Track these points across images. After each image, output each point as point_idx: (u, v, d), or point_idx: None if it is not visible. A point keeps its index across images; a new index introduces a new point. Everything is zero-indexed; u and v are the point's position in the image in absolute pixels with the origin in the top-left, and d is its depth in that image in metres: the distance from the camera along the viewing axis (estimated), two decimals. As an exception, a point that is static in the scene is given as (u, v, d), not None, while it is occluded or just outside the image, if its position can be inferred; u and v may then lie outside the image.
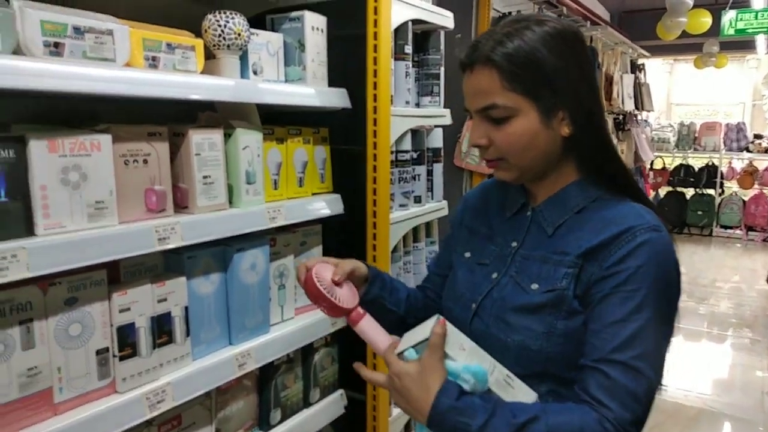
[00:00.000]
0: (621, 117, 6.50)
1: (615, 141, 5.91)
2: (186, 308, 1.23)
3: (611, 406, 0.83)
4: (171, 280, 1.19)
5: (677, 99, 10.47)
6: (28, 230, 0.96)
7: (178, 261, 1.24)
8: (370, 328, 1.01)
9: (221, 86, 1.24)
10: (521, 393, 0.90)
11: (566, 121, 0.94)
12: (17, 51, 0.94)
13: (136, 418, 1.11)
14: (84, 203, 1.03)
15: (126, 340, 1.11)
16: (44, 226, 0.97)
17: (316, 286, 0.99)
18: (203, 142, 1.23)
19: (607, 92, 5.84)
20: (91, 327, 1.06)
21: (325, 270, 1.03)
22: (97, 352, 1.07)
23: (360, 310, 1.02)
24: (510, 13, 4.74)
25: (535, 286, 0.95)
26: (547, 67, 0.91)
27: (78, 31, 1.00)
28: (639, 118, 7.23)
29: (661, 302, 0.89)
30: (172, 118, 1.34)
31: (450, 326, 0.90)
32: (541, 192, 1.03)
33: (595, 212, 0.96)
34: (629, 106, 6.19)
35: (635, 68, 6.88)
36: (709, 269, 6.57)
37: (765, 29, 5.07)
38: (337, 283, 1.03)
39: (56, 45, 0.97)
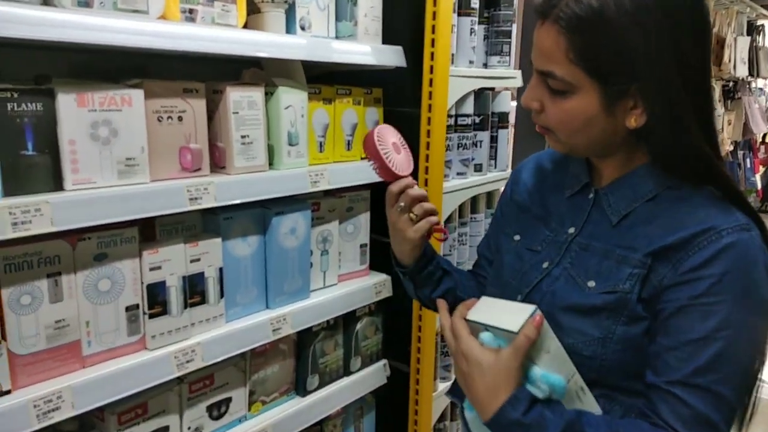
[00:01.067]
0: (731, 84, 5.88)
1: (721, 111, 5.36)
2: (221, 269, 1.21)
3: None
4: (205, 240, 1.18)
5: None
6: (57, 185, 0.96)
7: (215, 222, 1.22)
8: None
9: (262, 41, 1.18)
10: (589, 408, 0.81)
11: (639, 111, 0.78)
12: (47, 2, 0.92)
13: (164, 376, 1.11)
14: (114, 159, 1.01)
15: (156, 298, 1.11)
16: (73, 182, 0.97)
17: (375, 144, 0.98)
18: (242, 100, 1.19)
19: (718, 56, 5.29)
20: (121, 283, 1.06)
21: (389, 132, 1.03)
22: (127, 309, 1.08)
23: (411, 179, 1.00)
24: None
25: (592, 284, 0.83)
26: (628, 44, 0.73)
27: (108, -20, 0.96)
28: (753, 85, 6.52)
29: (750, 316, 0.75)
30: (218, 75, 1.31)
31: (544, 321, 0.79)
32: (607, 170, 0.89)
33: (671, 203, 0.81)
34: (742, 72, 5.58)
35: (753, 30, 6.17)
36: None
37: None
38: (397, 150, 1.01)
39: (85, -4, 0.94)
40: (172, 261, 1.12)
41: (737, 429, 0.89)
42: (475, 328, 0.82)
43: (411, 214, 0.99)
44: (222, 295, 1.23)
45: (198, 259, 1.17)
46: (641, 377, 0.80)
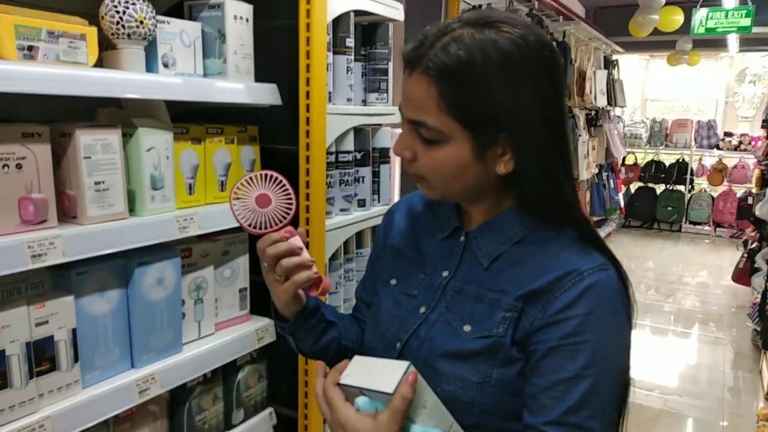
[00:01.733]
0: (593, 113, 6.45)
1: (586, 138, 5.85)
2: (74, 331, 1.09)
3: None
4: (53, 300, 1.05)
5: (652, 95, 10.51)
6: None
7: (66, 277, 1.10)
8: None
9: (118, 80, 1.09)
10: None
11: (507, 157, 0.80)
12: None
13: (5, 460, 0.97)
14: (-66, 216, 0.88)
15: (-7, 371, 0.97)
16: None
17: (231, 206, 0.91)
18: (94, 143, 1.09)
19: (580, 88, 5.78)
20: (-54, 358, 0.92)
21: (255, 184, 0.91)
22: (-45, 387, 0.93)
23: (278, 233, 0.90)
24: (480, 6, 4.64)
25: (467, 328, 0.83)
26: (495, 94, 0.75)
27: None
28: (612, 114, 7.21)
29: (613, 351, 0.79)
30: (72, 115, 1.20)
31: (418, 377, 0.75)
32: (476, 214, 0.90)
33: (537, 246, 0.84)
34: (602, 102, 6.14)
35: (609, 64, 6.84)
36: (677, 265, 6.60)
37: (735, 29, 5.01)
38: (264, 203, 0.91)
39: None
40: (12, 326, 0.99)
41: None
42: (351, 392, 0.78)
43: (276, 275, 0.91)
44: (77, 359, 1.10)
45: (45, 322, 1.04)
46: (519, 419, 0.81)
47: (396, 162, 2.04)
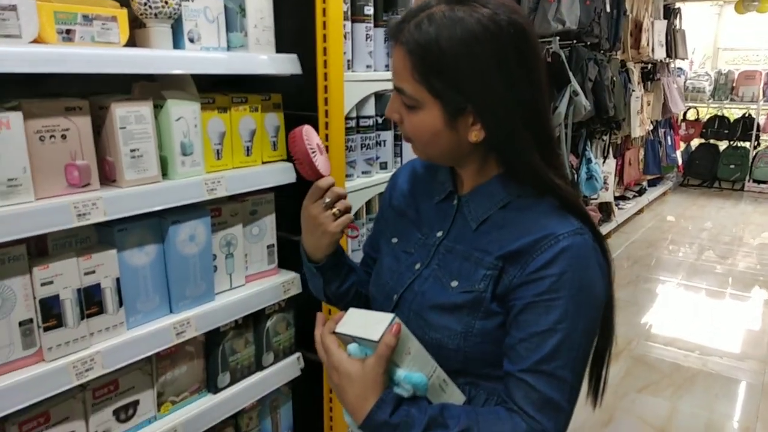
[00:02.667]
0: (650, 66, 6.18)
1: (640, 93, 5.63)
2: (118, 280, 1.26)
3: (538, 418, 0.84)
4: (99, 253, 1.22)
5: (725, 44, 9.85)
6: (-64, 209, 0.98)
7: (110, 234, 1.26)
8: None
9: (143, 57, 1.22)
10: (453, 397, 0.90)
11: (477, 127, 0.87)
12: None
13: (63, 385, 1.16)
14: (-5, 181, 1.04)
15: (51, 311, 1.14)
16: (-48, 205, 0.99)
17: (304, 142, 1.03)
18: (128, 115, 1.22)
19: (636, 39, 5.54)
20: (12, 300, 1.10)
21: (313, 133, 1.07)
22: (20, 324, 1.11)
23: (330, 179, 1.06)
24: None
25: (454, 284, 0.93)
26: (460, 68, 0.83)
27: (-25, 7, 0.98)
28: (672, 66, 6.87)
29: (584, 309, 0.86)
30: (110, 88, 1.34)
31: (402, 327, 0.86)
32: (467, 180, 0.98)
33: (519, 211, 0.91)
34: (660, 54, 5.87)
35: (670, 13, 6.48)
36: (736, 225, 6.34)
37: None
38: (320, 151, 1.08)
39: (-49, 23, 0.96)
40: (65, 275, 1.16)
41: (593, 402, 1.02)
42: (344, 339, 0.90)
43: (335, 210, 1.05)
44: (121, 304, 1.27)
45: (93, 272, 1.21)
46: (501, 366, 0.90)
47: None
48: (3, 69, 0.99)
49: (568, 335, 0.85)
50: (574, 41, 4.41)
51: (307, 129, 1.05)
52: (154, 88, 1.35)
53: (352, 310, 0.94)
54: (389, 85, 1.82)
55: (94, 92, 1.26)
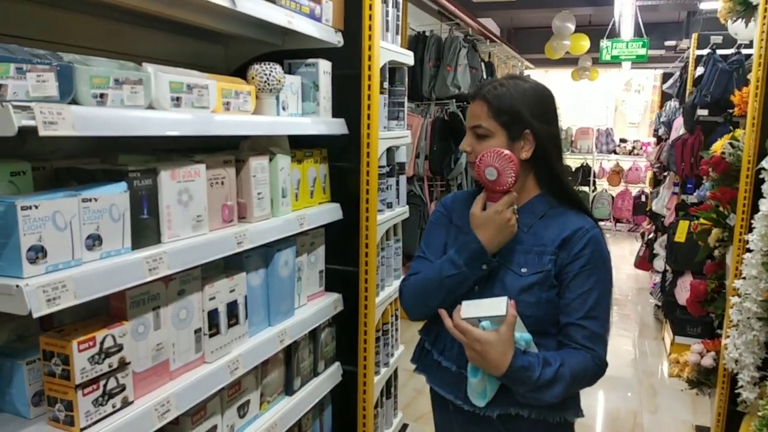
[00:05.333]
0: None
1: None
2: (246, 297, 1.56)
3: (595, 348, 1.31)
4: (237, 274, 1.52)
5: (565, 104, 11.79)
6: (157, 239, 1.26)
7: (238, 260, 1.57)
8: None
9: (267, 122, 1.59)
10: (532, 348, 1.33)
11: (526, 148, 1.37)
12: (151, 105, 1.24)
13: (222, 382, 1.43)
14: (190, 217, 1.34)
15: (213, 321, 1.43)
16: (168, 236, 1.28)
17: (509, 159, 1.30)
18: (258, 166, 1.57)
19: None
20: (191, 312, 1.37)
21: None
22: (195, 331, 1.39)
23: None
24: (424, 32, 5.32)
25: (524, 270, 1.38)
26: (520, 111, 1.33)
27: (188, 87, 1.31)
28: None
29: (607, 274, 1.38)
30: (217, 146, 1.66)
31: None
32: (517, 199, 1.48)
33: (556, 218, 1.42)
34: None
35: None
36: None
37: (634, 57, 6.09)
38: None
39: (177, 99, 1.28)
40: (221, 292, 1.45)
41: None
42: (472, 322, 1.31)
43: (516, 215, 1.40)
44: (246, 317, 1.57)
45: (233, 290, 1.51)
46: (557, 323, 1.38)
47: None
48: (201, 132, 1.32)
49: (601, 292, 1.35)
50: (465, 102, 5.25)
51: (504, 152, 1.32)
52: (261, 144, 1.70)
53: (465, 302, 1.37)
54: (396, 142, 2.30)
55: (171, 149, 1.57)
